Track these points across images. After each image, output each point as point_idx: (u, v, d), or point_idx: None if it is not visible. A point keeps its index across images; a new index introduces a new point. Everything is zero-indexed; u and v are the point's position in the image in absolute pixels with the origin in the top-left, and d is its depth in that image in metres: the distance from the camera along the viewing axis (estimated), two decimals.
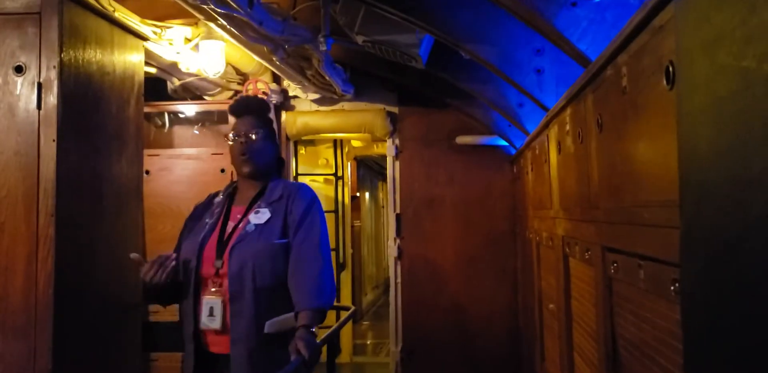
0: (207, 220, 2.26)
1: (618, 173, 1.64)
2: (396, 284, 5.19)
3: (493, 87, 3.59)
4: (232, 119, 2.39)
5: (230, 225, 2.21)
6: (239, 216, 2.23)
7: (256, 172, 2.26)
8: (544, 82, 2.70)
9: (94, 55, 2.50)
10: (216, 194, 2.38)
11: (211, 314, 2.10)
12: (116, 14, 2.87)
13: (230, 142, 2.26)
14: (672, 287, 1.23)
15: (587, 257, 2.07)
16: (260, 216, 2.20)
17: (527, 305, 4.21)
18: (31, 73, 2.25)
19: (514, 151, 4.72)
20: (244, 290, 2.09)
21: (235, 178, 2.41)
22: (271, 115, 4.80)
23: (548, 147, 2.82)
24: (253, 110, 2.32)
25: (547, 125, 2.77)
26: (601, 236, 1.87)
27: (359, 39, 3.24)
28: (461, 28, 2.71)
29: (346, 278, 7.02)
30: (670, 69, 1.14)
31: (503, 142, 4.81)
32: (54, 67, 2.24)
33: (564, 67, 2.59)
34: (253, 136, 2.23)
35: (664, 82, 1.19)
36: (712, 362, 0.88)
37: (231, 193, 2.33)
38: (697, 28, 0.87)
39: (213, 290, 2.13)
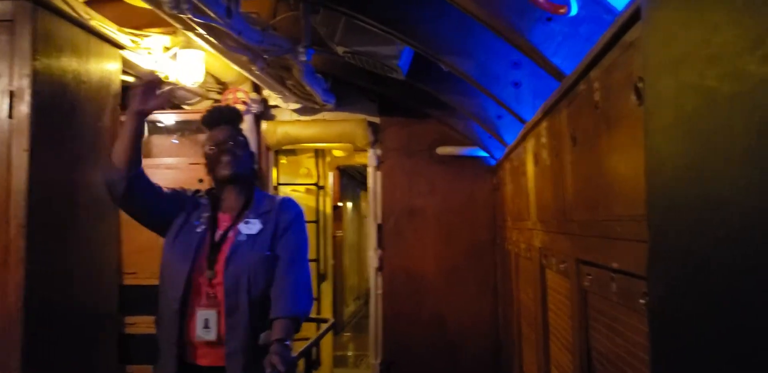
0: (195, 223, 2.21)
1: (591, 187, 1.65)
2: (377, 295, 5.17)
3: (473, 99, 3.60)
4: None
5: (218, 233, 2.19)
6: (226, 224, 2.21)
7: (237, 176, 2.23)
8: (522, 95, 2.72)
9: (69, 64, 2.47)
10: (198, 193, 2.33)
11: (206, 326, 2.07)
12: (92, 22, 2.85)
13: (208, 151, 2.24)
14: (642, 301, 1.23)
15: (563, 268, 2.08)
16: (251, 227, 2.19)
17: (507, 315, 4.21)
18: (3, 82, 2.22)
19: (493, 162, 4.74)
20: (239, 302, 2.08)
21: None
22: (247, 124, 4.80)
23: (526, 159, 2.83)
24: (227, 120, 2.31)
25: (524, 138, 2.79)
26: (575, 249, 1.87)
27: (339, 50, 3.25)
28: (440, 41, 2.73)
29: (326, 288, 6.97)
30: (640, 85, 1.15)
31: (483, 153, 4.83)
32: (26, 75, 2.21)
33: (540, 80, 2.61)
34: (233, 144, 2.23)
35: (634, 97, 1.20)
36: None
37: (213, 198, 2.29)
38: (664, 46, 0.87)
39: (206, 300, 2.10)
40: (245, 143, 2.31)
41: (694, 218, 0.77)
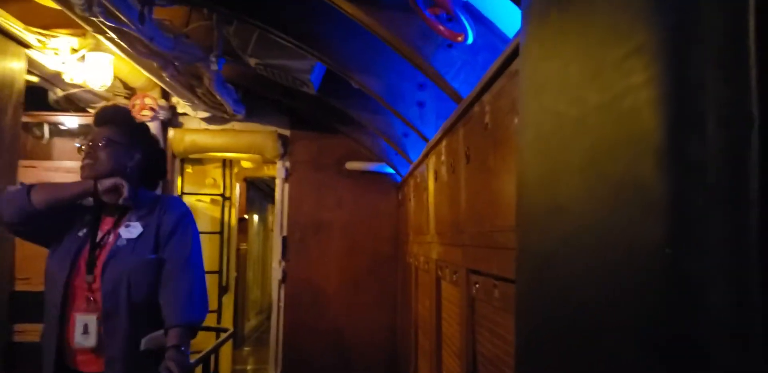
0: (78, 225, 2.14)
1: (480, 201, 1.79)
2: (279, 307, 5.17)
3: (381, 116, 3.74)
4: None
5: (99, 236, 2.12)
6: (108, 227, 2.15)
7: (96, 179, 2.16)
8: (426, 115, 2.87)
9: None
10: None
11: (85, 331, 2.00)
12: None
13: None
14: None
15: (455, 279, 2.22)
16: (131, 230, 2.13)
17: (405, 327, 4.33)
18: None
19: (399, 179, 4.90)
20: (119, 307, 2.02)
21: None
22: (154, 131, 4.70)
23: (427, 176, 2.98)
24: (110, 120, 2.23)
25: (427, 155, 2.94)
26: (466, 259, 2.01)
27: (252, 61, 3.30)
28: (351, 59, 2.84)
29: (228, 302, 6.86)
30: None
31: (390, 170, 4.97)
32: None
33: (443, 102, 2.77)
34: (99, 146, 2.15)
35: (516, 120, 1.35)
36: (536, 364, 1.00)
37: (97, 200, 2.19)
38: (531, 76, 1.01)
39: (86, 305, 2.03)
40: (112, 143, 2.16)
41: (545, 225, 0.90)
